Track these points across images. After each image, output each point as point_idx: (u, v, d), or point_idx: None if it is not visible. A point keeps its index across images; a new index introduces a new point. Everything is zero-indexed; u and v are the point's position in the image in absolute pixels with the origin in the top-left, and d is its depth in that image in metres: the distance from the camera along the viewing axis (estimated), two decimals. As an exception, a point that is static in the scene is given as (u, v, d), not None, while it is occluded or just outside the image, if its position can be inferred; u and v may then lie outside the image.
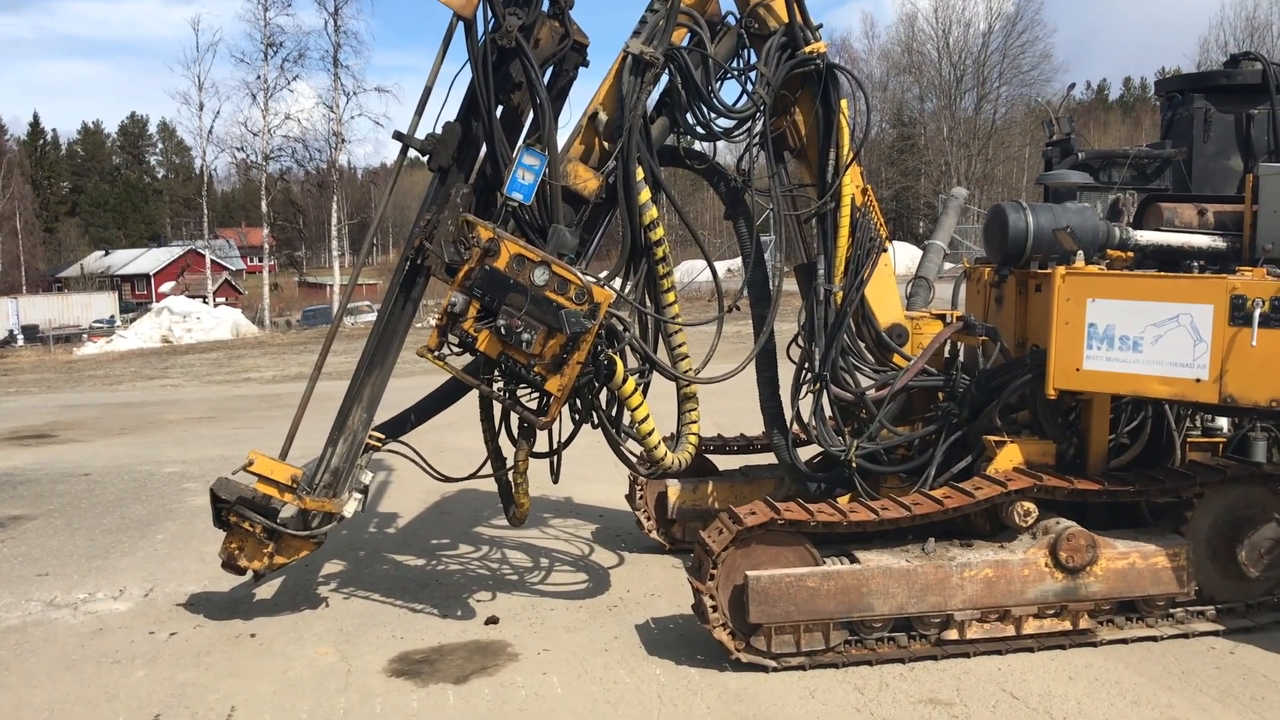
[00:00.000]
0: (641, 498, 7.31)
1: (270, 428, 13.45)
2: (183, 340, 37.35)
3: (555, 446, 5.96)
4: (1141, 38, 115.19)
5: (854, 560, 5.25)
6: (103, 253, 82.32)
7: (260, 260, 58.05)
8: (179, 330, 38.47)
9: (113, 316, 55.72)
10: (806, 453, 6.51)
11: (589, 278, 5.09)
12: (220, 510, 5.69)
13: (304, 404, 5.83)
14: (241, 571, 5.82)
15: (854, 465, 5.93)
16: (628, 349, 5.50)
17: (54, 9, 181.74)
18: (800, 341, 6.30)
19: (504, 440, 5.88)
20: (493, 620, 6.00)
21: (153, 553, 7.67)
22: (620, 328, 5.38)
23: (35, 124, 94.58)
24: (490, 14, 5.35)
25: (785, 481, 6.72)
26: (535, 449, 5.70)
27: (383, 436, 5.99)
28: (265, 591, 6.60)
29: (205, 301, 46.40)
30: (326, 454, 5.69)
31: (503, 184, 5.31)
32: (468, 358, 5.44)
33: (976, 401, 5.82)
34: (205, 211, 51.14)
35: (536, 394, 5.31)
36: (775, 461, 6.57)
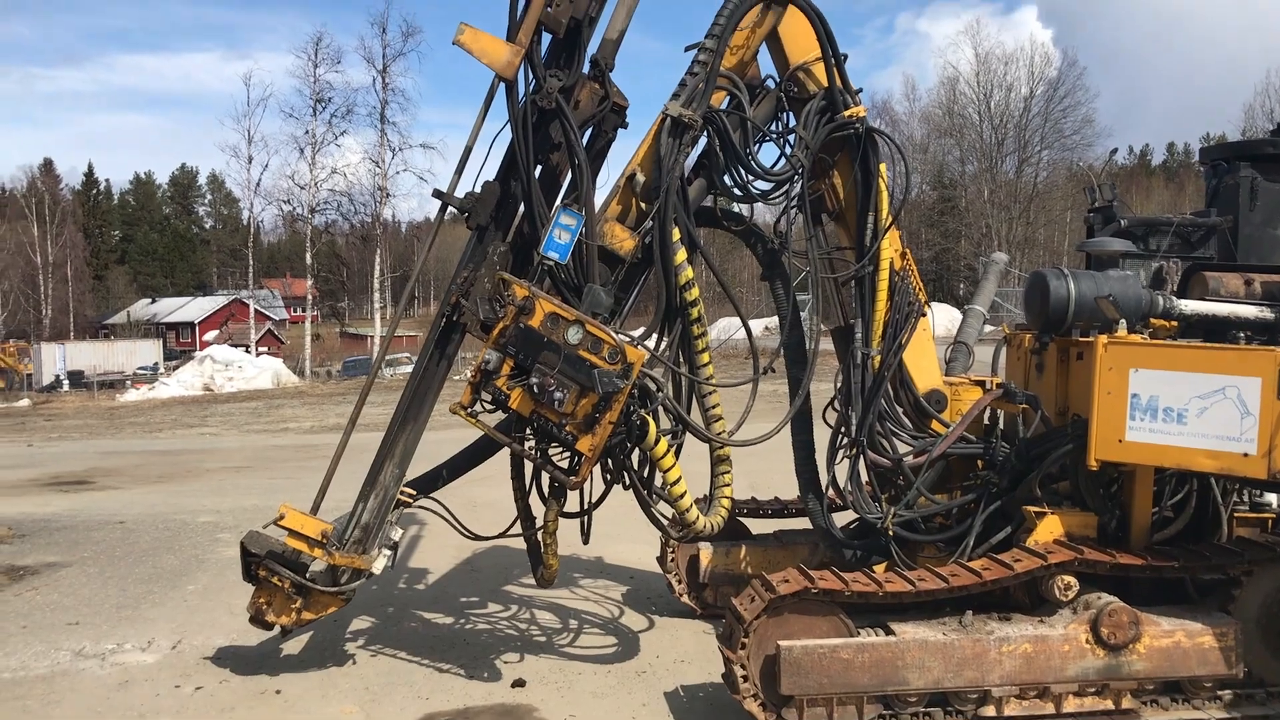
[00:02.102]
0: (673, 560, 7.21)
1: (306, 478, 13.50)
2: (224, 389, 37.81)
3: (586, 506, 5.91)
4: (1185, 104, 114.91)
5: (889, 632, 5.13)
6: (149, 300, 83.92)
7: (303, 310, 58.83)
8: (220, 378, 38.97)
9: (156, 363, 56.57)
10: (842, 519, 6.40)
11: (623, 337, 5.07)
12: (250, 564, 5.68)
13: (338, 456, 5.83)
14: (269, 626, 5.79)
15: (891, 533, 5.81)
16: (661, 409, 5.46)
17: (113, 62, 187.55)
18: (837, 405, 6.22)
19: (535, 499, 5.84)
20: (520, 683, 5.92)
21: (183, 604, 7.67)
22: (653, 388, 5.35)
23: (90, 174, 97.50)
24: (531, 75, 5.42)
25: (820, 548, 6.61)
26: (566, 509, 5.67)
27: (414, 492, 5.98)
28: (292, 647, 6.56)
29: (248, 350, 47.03)
30: (357, 509, 5.68)
31: (539, 243, 5.33)
32: (500, 415, 5.43)
33: (1016, 471, 5.70)
34: (251, 262, 51.95)
35: (568, 453, 5.28)
36: (810, 527, 6.47)
